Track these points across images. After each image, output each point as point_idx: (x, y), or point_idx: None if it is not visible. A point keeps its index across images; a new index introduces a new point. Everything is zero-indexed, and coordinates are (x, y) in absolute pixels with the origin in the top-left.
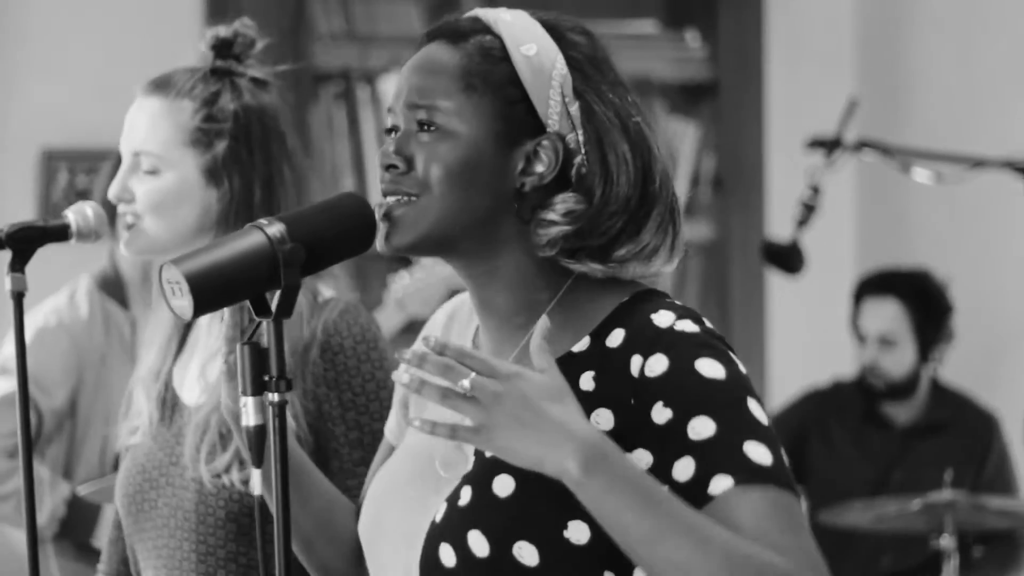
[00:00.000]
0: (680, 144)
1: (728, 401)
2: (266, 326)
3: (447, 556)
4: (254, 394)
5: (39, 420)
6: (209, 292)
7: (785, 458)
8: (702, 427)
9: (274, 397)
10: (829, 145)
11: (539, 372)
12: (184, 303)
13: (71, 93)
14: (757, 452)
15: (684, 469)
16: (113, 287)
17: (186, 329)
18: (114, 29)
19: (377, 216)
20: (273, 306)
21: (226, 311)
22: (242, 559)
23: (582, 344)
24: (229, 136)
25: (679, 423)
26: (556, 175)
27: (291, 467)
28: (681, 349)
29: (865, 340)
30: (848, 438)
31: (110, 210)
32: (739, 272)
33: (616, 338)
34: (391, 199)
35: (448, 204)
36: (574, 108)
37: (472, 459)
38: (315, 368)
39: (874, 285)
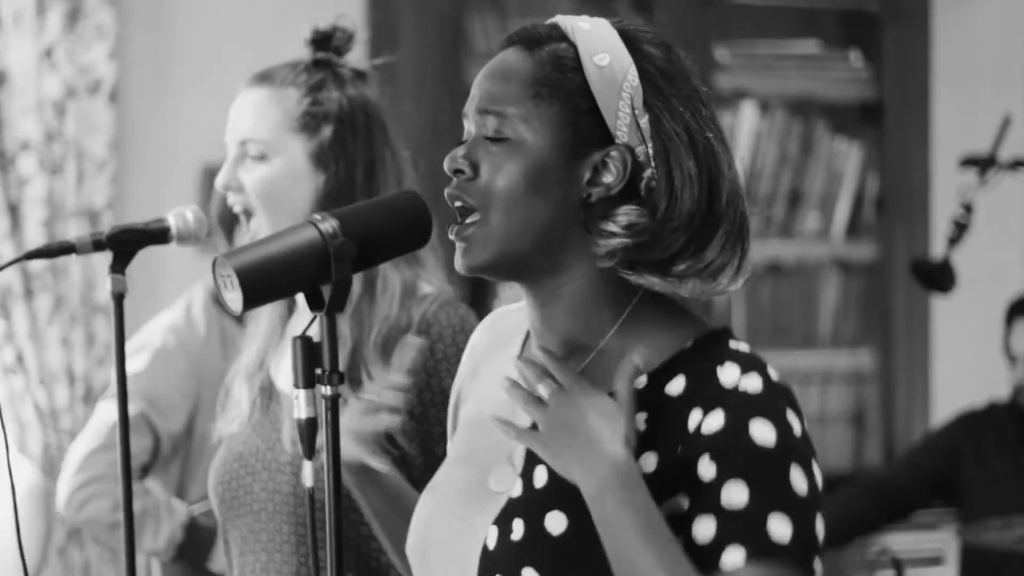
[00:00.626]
0: (844, 165)
1: (770, 470)
2: (319, 320)
3: None
4: (306, 387)
5: (156, 443)
6: (259, 286)
7: (817, 527)
8: (736, 494)
9: (326, 391)
10: (983, 163)
11: (606, 391)
12: (235, 296)
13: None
14: (779, 528)
15: (705, 529)
16: None
17: (287, 320)
18: (273, 47)
19: (451, 235)
20: (326, 300)
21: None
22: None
23: (640, 382)
24: (335, 121)
25: (717, 483)
26: (623, 188)
27: (387, 492)
28: (739, 409)
29: (1016, 360)
30: (1002, 458)
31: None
32: (903, 293)
33: (677, 386)
34: (457, 204)
35: (512, 216)
36: (644, 121)
37: (520, 481)
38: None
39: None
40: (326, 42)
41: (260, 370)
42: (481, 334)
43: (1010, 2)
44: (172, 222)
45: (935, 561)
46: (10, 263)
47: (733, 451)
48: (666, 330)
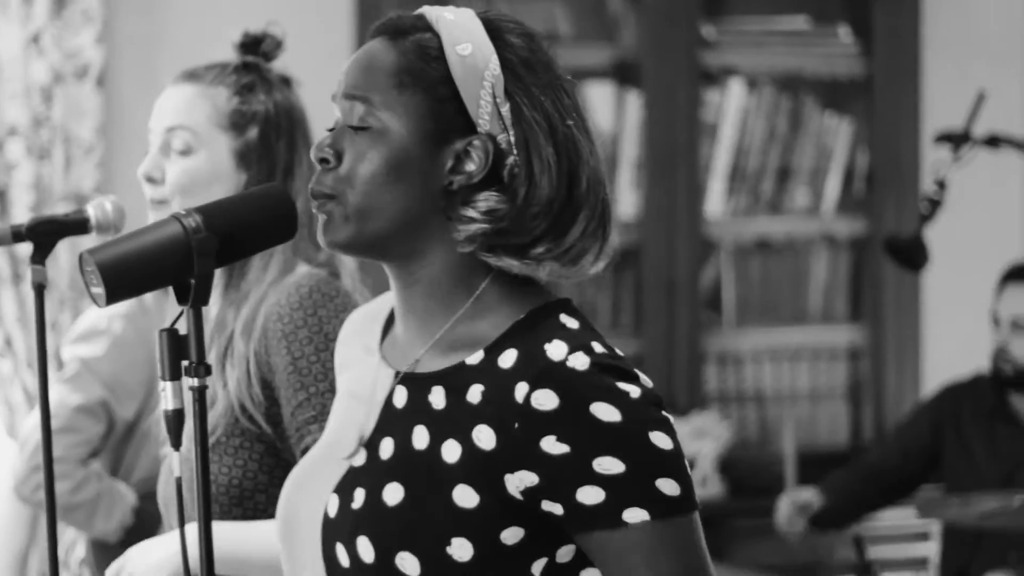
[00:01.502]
0: (833, 141)
1: (629, 443)
2: (185, 313)
3: (342, 556)
4: (172, 379)
5: (111, 429)
6: (121, 280)
7: (688, 472)
8: (609, 464)
9: (193, 382)
10: (957, 139)
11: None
12: (100, 291)
13: None
14: (668, 486)
15: (591, 495)
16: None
17: None
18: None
19: (314, 211)
20: (189, 294)
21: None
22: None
23: (476, 357)
24: (261, 123)
25: (579, 458)
26: (486, 175)
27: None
28: (572, 390)
29: (999, 324)
30: (978, 433)
31: None
32: (893, 268)
33: (508, 359)
34: (319, 191)
35: (373, 201)
36: (505, 109)
37: (364, 451)
38: (260, 331)
39: (1016, 273)
40: (255, 46)
41: None
42: (355, 312)
43: None
44: (91, 212)
45: (922, 537)
46: None
47: (582, 431)
48: (507, 307)
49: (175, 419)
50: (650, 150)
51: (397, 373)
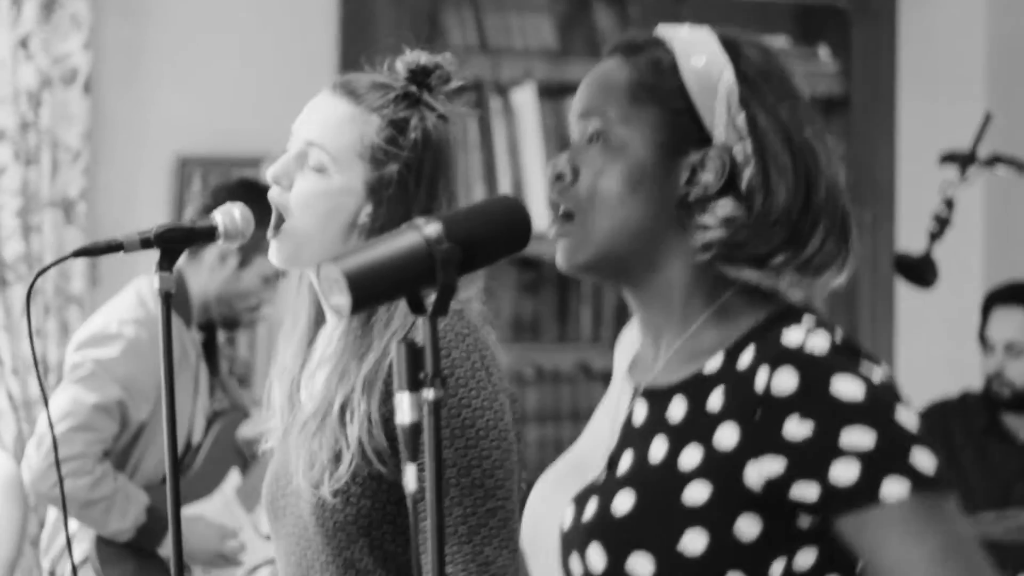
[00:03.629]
0: None
1: (876, 417)
2: (422, 324)
3: (575, 566)
4: (410, 391)
5: (124, 429)
6: (367, 290)
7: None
8: (859, 438)
9: (429, 394)
10: (963, 160)
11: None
12: (342, 301)
13: (206, 101)
14: (923, 459)
15: (845, 471)
16: (179, 301)
17: (314, 334)
18: (249, 39)
19: (550, 235)
20: (429, 305)
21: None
22: (359, 564)
23: (715, 363)
24: (403, 164)
25: (825, 435)
26: (722, 187)
27: None
28: (811, 368)
29: (993, 349)
30: (970, 451)
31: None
32: (868, 286)
33: (746, 357)
34: (559, 209)
35: (612, 217)
36: (740, 119)
37: (606, 467)
38: (382, 390)
39: (1003, 295)
40: (424, 76)
41: (291, 383)
42: (621, 342)
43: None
44: (219, 220)
45: None
46: (58, 261)
47: (824, 407)
48: (749, 315)
49: (412, 432)
50: None
51: (636, 388)
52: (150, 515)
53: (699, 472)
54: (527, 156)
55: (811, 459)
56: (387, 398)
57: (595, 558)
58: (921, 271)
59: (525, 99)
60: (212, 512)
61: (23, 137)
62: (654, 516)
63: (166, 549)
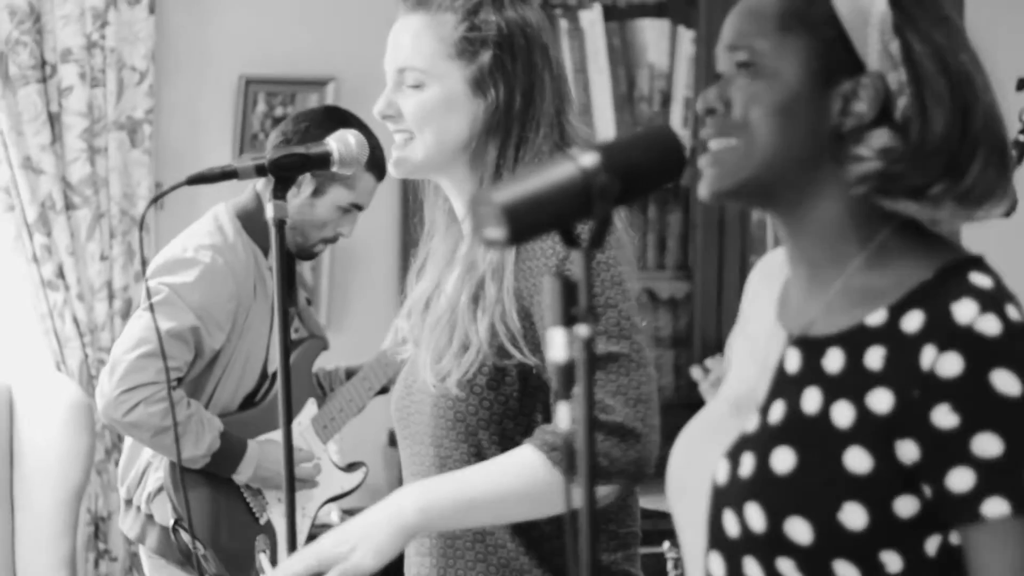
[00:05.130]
0: None
1: (1019, 421)
2: (576, 258)
3: (730, 524)
4: (563, 326)
5: (199, 356)
6: (523, 222)
7: None
8: (988, 445)
9: (583, 330)
10: None
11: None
12: (498, 233)
13: (270, 22)
14: None
15: (961, 480)
16: (258, 229)
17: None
18: None
19: (700, 163)
20: (584, 238)
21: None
22: (474, 460)
23: (878, 316)
24: (493, 46)
25: (963, 433)
26: (876, 117)
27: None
28: (978, 355)
29: None
30: None
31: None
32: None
33: (913, 322)
34: (713, 143)
35: (768, 146)
36: (894, 46)
37: (758, 415)
38: (512, 270)
39: None
40: None
41: (426, 308)
42: (758, 272)
43: None
44: (334, 147)
45: None
46: (171, 188)
47: (976, 402)
48: (912, 260)
49: (565, 369)
50: (702, 87)
51: (790, 335)
52: (224, 441)
53: (855, 435)
54: (594, 77)
55: (939, 458)
56: (521, 287)
57: (754, 518)
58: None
59: (593, 20)
60: None
61: (89, 57)
62: (815, 479)
63: (240, 475)
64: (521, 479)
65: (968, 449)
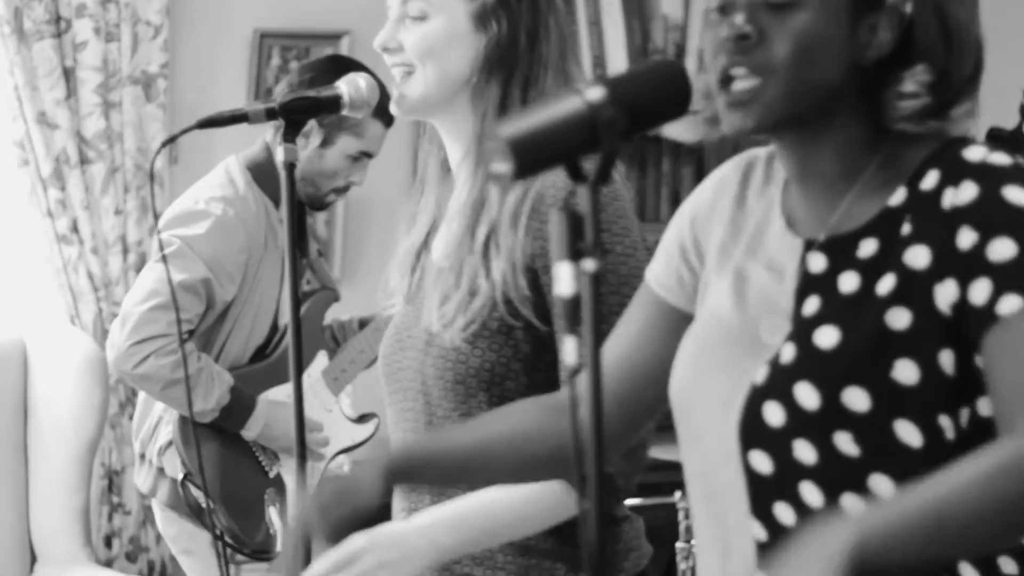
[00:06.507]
0: None
1: None
2: (582, 192)
3: (773, 414)
4: (569, 260)
5: (210, 309)
6: (530, 156)
7: None
8: (1002, 249)
9: (590, 265)
10: None
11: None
12: (505, 167)
13: None
14: None
15: (980, 291)
16: (268, 180)
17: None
18: None
19: (720, 101)
20: (592, 172)
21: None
22: (464, 420)
23: (899, 195)
24: None
25: (981, 246)
26: (897, 48)
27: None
28: (991, 177)
29: None
30: None
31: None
32: None
33: (930, 180)
34: (738, 83)
35: (798, 82)
36: None
37: (789, 324)
38: (527, 217)
39: None
40: None
41: (415, 257)
42: (730, 176)
43: None
44: (344, 90)
45: None
46: (182, 132)
47: (990, 214)
48: (916, 150)
49: (572, 303)
50: None
51: (808, 242)
52: (234, 396)
53: (896, 296)
54: (609, 30)
55: (963, 273)
56: (534, 243)
57: (806, 396)
58: (1013, 147)
59: None
60: None
61: (103, 11)
62: (861, 345)
63: (249, 431)
64: (553, 514)
65: (985, 259)
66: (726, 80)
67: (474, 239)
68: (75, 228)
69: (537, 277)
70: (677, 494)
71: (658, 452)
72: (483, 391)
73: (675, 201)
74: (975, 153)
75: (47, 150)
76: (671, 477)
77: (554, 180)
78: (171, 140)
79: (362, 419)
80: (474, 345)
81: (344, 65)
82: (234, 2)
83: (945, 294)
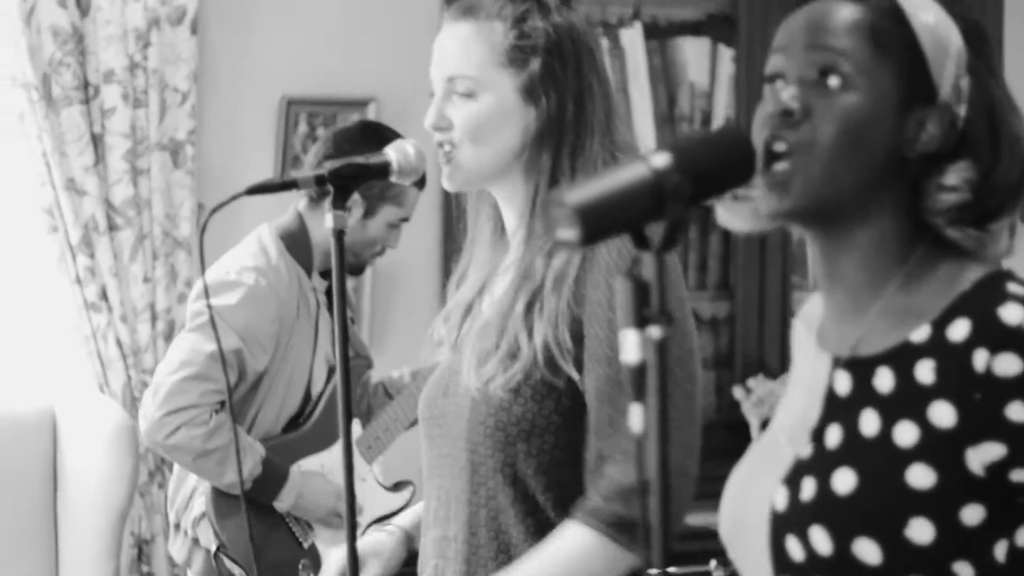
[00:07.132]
0: None
1: None
2: (649, 259)
3: (795, 550)
4: (635, 328)
5: (242, 379)
6: (597, 222)
7: None
8: None
9: (655, 332)
10: None
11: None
12: (571, 234)
13: (312, 42)
14: None
15: None
16: (301, 249)
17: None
18: None
19: (761, 177)
20: (657, 239)
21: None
22: (507, 471)
23: (922, 333)
24: (543, 53)
25: None
26: (945, 149)
27: None
28: None
29: None
30: None
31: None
32: None
33: (959, 330)
34: (779, 146)
35: (839, 164)
36: (964, 83)
37: (812, 442)
38: (573, 281)
39: None
40: None
41: (467, 312)
42: (800, 328)
43: None
44: (393, 157)
45: None
46: (231, 198)
47: None
48: (946, 278)
49: (637, 371)
50: (742, 105)
51: (836, 359)
52: (266, 467)
53: (919, 452)
54: (635, 96)
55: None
56: (578, 297)
57: (820, 541)
58: None
59: (633, 38)
60: (331, 464)
61: (131, 78)
62: (878, 498)
63: (282, 503)
64: (584, 567)
65: None
66: (768, 159)
67: (517, 300)
68: (104, 295)
69: (579, 320)
70: (712, 562)
71: (694, 519)
72: (523, 441)
73: (703, 268)
74: (1012, 315)
75: (76, 217)
76: (707, 545)
77: (607, 245)
78: (220, 207)
79: (397, 487)
80: (517, 394)
81: (375, 132)
82: (261, 68)
83: (980, 457)
